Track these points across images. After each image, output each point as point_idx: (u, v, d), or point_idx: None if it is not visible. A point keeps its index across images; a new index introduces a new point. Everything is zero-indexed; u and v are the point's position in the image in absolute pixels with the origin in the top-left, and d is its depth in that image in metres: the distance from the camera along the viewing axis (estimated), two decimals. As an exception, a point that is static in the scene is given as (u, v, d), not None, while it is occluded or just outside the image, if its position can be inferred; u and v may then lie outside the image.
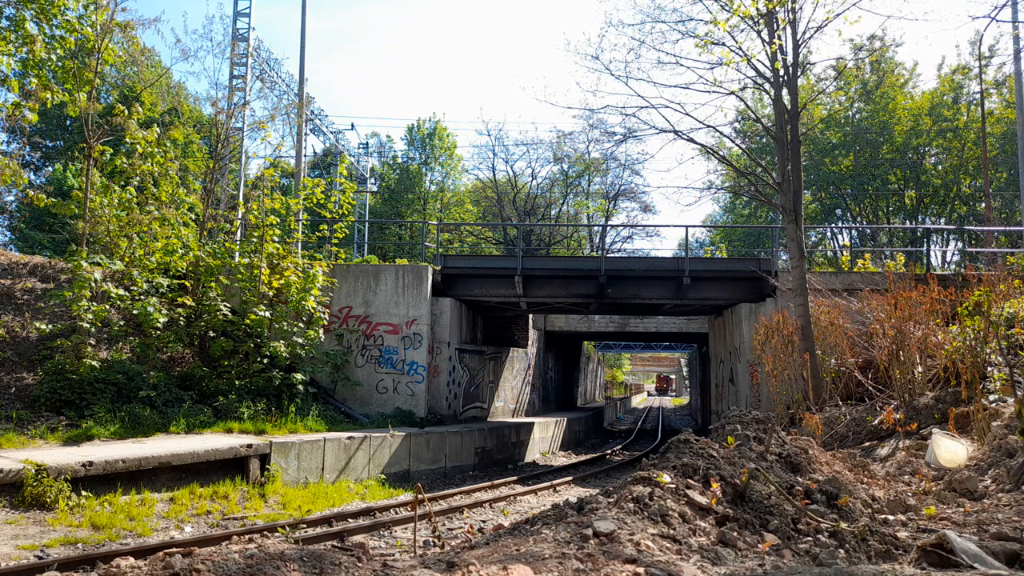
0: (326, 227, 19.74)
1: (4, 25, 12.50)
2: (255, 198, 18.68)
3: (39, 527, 9.00)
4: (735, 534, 4.88)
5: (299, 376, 16.47)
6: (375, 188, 47.10)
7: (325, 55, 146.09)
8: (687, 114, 18.40)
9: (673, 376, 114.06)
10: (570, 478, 17.24)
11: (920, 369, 11.64)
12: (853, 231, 40.62)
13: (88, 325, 14.21)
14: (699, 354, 41.01)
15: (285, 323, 16.66)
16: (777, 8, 13.36)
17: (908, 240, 34.93)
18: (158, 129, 17.45)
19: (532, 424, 23.30)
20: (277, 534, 9.61)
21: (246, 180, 25.88)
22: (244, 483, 11.98)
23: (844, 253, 29.45)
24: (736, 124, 21.32)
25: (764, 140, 31.45)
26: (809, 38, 14.20)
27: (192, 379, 15.47)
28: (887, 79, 38.77)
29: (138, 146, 16.76)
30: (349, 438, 14.49)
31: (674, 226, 43.99)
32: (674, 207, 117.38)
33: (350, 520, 11.04)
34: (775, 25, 13.94)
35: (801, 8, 14.18)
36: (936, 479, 7.66)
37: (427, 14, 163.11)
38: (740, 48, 14.29)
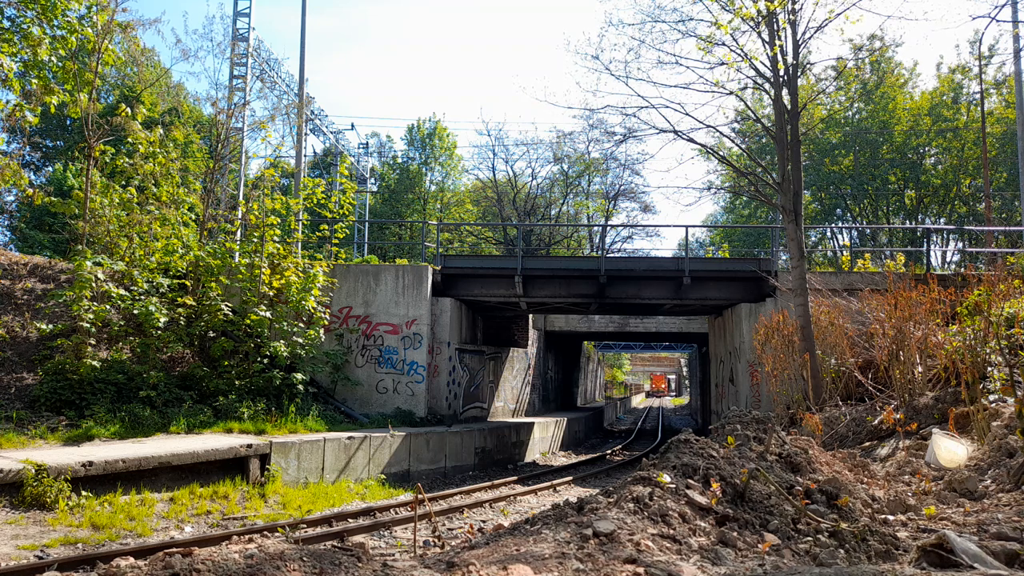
0: (326, 227, 19.76)
1: (6, 27, 12.49)
2: (255, 198, 18.68)
3: (39, 527, 9.01)
4: (735, 534, 4.88)
5: (299, 376, 16.47)
6: (375, 188, 47.11)
7: (325, 55, 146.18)
8: (687, 114, 18.40)
9: (672, 376, 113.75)
10: (570, 478, 17.24)
11: (920, 369, 11.64)
12: (853, 231, 40.62)
13: (88, 325, 14.20)
14: (699, 354, 41.01)
15: (285, 323, 16.67)
16: (778, 9, 13.36)
17: (908, 240, 34.93)
18: (161, 130, 17.47)
19: (532, 424, 23.30)
20: (277, 534, 9.61)
21: (246, 180, 25.89)
22: (244, 483, 11.98)
23: (844, 253, 29.44)
24: (736, 124, 21.29)
25: (764, 140, 31.45)
26: (809, 38, 14.20)
27: (192, 379, 15.47)
28: (887, 79, 38.80)
29: (140, 146, 16.79)
30: (349, 438, 14.49)
31: (674, 226, 44.06)
32: (674, 207, 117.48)
33: (350, 520, 11.05)
34: (775, 26, 13.94)
35: (801, 8, 14.19)
36: (936, 479, 7.66)
37: (427, 14, 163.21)
38: (741, 49, 14.29)
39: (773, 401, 15.77)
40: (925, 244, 28.41)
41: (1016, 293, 12.55)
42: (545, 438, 24.98)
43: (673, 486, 5.41)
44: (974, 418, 8.77)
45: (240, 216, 20.00)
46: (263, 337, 16.49)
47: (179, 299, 16.34)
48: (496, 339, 24.66)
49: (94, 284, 14.34)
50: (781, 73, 14.27)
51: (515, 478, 16.81)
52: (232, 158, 25.13)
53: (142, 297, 15.41)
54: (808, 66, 17.69)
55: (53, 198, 15.89)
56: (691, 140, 16.07)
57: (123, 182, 16.88)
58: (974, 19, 29.22)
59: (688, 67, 15.58)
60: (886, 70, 38.54)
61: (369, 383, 18.83)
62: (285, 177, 36.09)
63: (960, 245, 39.13)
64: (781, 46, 14.02)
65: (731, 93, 15.13)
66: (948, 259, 37.89)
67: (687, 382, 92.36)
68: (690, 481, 5.67)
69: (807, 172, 37.02)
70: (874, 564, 4.41)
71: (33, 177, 38.78)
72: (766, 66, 14.52)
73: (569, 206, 48.24)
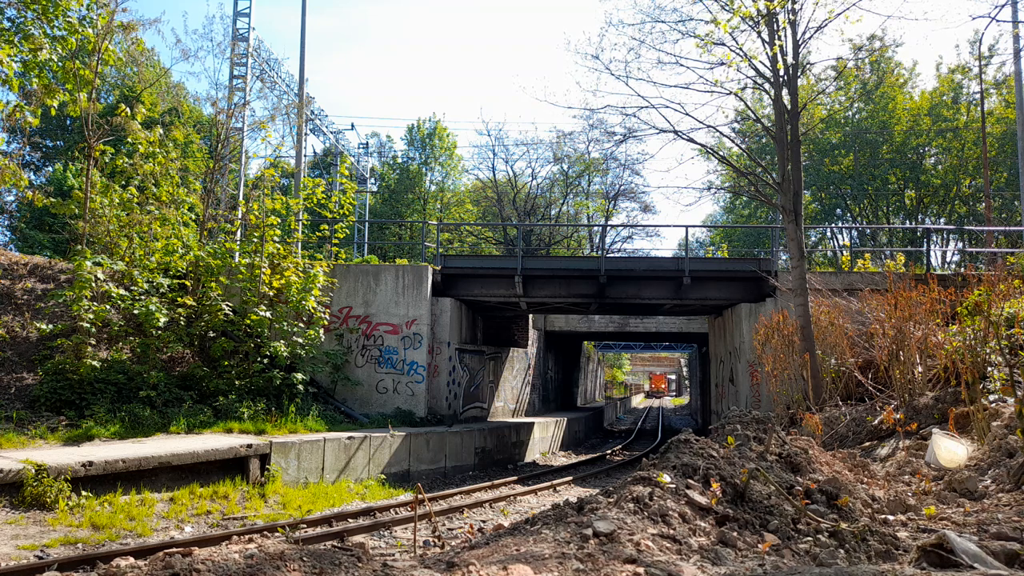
0: (326, 227, 19.76)
1: (7, 27, 12.47)
2: (255, 198, 18.69)
3: (39, 527, 9.01)
4: (735, 534, 4.88)
5: (299, 376, 16.47)
6: (375, 188, 47.10)
7: (325, 55, 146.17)
8: (687, 114, 18.40)
9: (672, 376, 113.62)
10: (570, 478, 17.24)
11: (920, 369, 11.64)
12: (853, 231, 40.61)
13: (88, 325, 14.21)
14: (699, 354, 41.00)
15: (285, 323, 16.67)
16: (778, 9, 13.36)
17: (908, 240, 34.92)
18: (161, 130, 17.47)
19: (532, 424, 23.30)
20: (277, 534, 9.61)
21: (246, 180, 25.90)
22: (244, 483, 11.98)
23: (844, 253, 29.43)
24: (736, 124, 21.29)
25: (764, 140, 31.45)
26: (809, 38, 14.20)
27: (192, 379, 15.47)
28: (887, 79, 38.79)
29: (140, 146, 16.79)
30: (349, 438, 14.49)
31: (674, 226, 44.08)
32: (674, 207, 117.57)
33: (350, 520, 11.05)
34: (775, 26, 13.94)
35: (801, 8, 14.19)
36: (936, 479, 7.66)
37: (427, 14, 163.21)
38: (740, 49, 14.29)
39: (773, 401, 15.76)
40: (925, 244, 28.40)
41: (1016, 293, 12.55)
42: (545, 438, 24.98)
43: (673, 486, 5.41)
44: (974, 418, 8.77)
45: (240, 216, 20.00)
46: (263, 337, 16.49)
47: (179, 299, 16.33)
48: (496, 339, 24.65)
49: (94, 284, 14.34)
50: (781, 73, 14.27)
51: (515, 478, 16.80)
52: (232, 158, 25.12)
53: (142, 297, 15.41)
54: (808, 66, 17.69)
55: (53, 199, 15.89)
56: (691, 140, 16.08)
57: (123, 182, 16.88)
58: (974, 19, 29.28)
59: (688, 67, 15.58)
60: (886, 70, 38.54)
61: (369, 383, 18.83)
62: (285, 177, 36.08)
63: (960, 245, 39.12)
64: (781, 46, 14.02)
65: (731, 93, 15.13)
66: (948, 259, 37.88)
67: (687, 382, 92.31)
68: (690, 481, 5.67)
69: (807, 172, 37.02)
70: (874, 564, 4.41)
71: (33, 177, 38.78)
72: (766, 66, 14.52)
73: (569, 206, 48.25)
